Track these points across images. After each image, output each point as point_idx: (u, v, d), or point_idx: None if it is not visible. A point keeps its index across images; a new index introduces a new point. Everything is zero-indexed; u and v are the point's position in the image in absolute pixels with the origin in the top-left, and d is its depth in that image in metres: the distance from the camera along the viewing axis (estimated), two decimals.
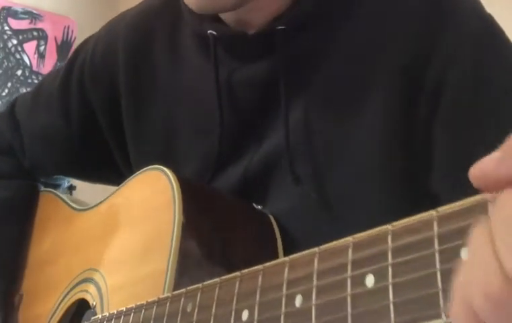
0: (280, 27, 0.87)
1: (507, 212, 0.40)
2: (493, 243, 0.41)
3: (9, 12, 3.94)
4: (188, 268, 0.78)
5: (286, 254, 0.75)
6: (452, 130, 0.80)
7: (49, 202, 1.18)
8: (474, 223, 0.43)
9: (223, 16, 0.93)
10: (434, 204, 0.50)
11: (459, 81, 0.80)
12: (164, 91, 1.00)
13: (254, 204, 0.90)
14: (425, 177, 0.81)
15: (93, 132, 1.09)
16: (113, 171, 1.10)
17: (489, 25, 0.84)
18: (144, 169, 0.90)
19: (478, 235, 0.42)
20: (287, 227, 0.86)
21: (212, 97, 0.92)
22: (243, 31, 0.91)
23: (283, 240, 0.85)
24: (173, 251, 0.78)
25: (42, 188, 1.22)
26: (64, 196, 1.15)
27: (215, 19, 0.93)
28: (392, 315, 0.47)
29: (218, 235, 0.85)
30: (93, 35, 1.15)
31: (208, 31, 0.92)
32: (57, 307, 1.01)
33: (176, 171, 0.85)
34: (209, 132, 0.93)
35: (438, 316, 0.44)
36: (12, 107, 1.23)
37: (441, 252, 0.45)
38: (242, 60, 0.92)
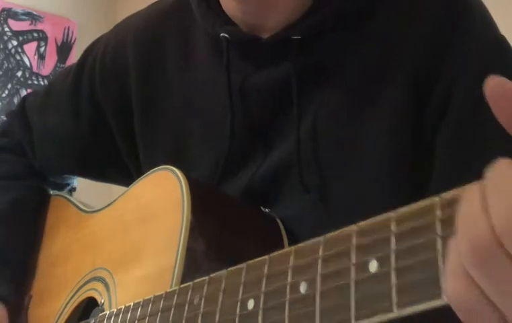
0: (296, 37, 0.88)
1: (500, 171, 0.43)
2: (484, 199, 0.43)
3: (9, 13, 3.94)
4: (195, 266, 0.78)
5: None
6: (454, 141, 0.81)
7: (59, 205, 1.19)
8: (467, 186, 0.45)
9: (236, 19, 0.93)
10: None
11: (465, 93, 0.81)
12: (176, 94, 1.00)
13: (262, 207, 0.90)
14: (427, 186, 0.82)
15: (103, 133, 1.10)
16: (122, 172, 1.11)
17: (500, 41, 0.85)
18: (154, 169, 0.91)
19: (470, 192, 0.45)
20: (293, 232, 0.87)
21: (223, 101, 0.93)
22: (256, 36, 0.92)
23: (289, 243, 0.85)
24: (180, 249, 0.78)
25: (53, 192, 1.23)
26: (74, 200, 1.16)
27: (228, 22, 0.93)
28: (395, 298, 0.48)
29: (226, 236, 0.85)
30: (102, 36, 1.15)
31: (221, 34, 0.92)
32: (65, 306, 1.02)
33: (185, 173, 0.86)
34: (219, 135, 0.93)
35: (439, 296, 0.45)
36: (23, 106, 1.24)
37: (443, 237, 0.46)
38: (254, 65, 0.92)
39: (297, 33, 0.88)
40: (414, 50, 0.83)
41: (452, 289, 0.44)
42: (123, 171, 1.10)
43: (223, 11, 0.94)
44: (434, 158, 0.82)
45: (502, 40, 0.85)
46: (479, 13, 0.85)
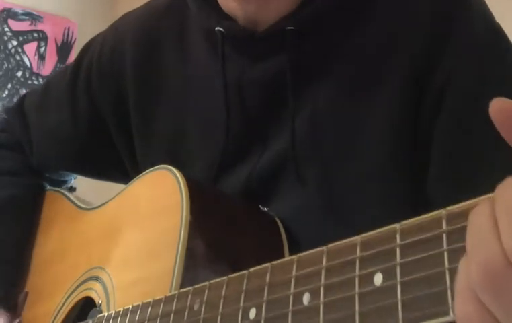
0: (289, 28, 0.87)
1: (511, 190, 0.41)
2: (494, 221, 0.42)
3: (9, 13, 3.94)
4: (195, 266, 0.78)
5: (291, 255, 0.75)
6: (451, 135, 0.80)
7: (56, 201, 1.19)
8: (473, 205, 0.44)
9: (233, 14, 0.92)
10: (428, 208, 0.51)
11: (462, 88, 0.80)
12: (173, 90, 1.00)
13: (260, 206, 0.90)
14: (425, 181, 0.82)
15: (100, 131, 1.10)
16: (119, 169, 1.11)
17: (497, 36, 0.84)
18: (152, 168, 0.91)
19: (478, 213, 0.43)
20: (292, 230, 0.86)
21: (219, 96, 0.92)
22: (251, 29, 0.91)
23: (288, 242, 0.85)
24: (180, 249, 0.78)
25: (49, 188, 1.23)
26: (70, 196, 1.16)
27: (224, 16, 0.93)
28: (400, 313, 0.47)
29: (225, 235, 0.85)
30: (98, 34, 1.15)
31: (216, 28, 0.92)
32: (62, 305, 1.01)
33: (183, 171, 0.85)
34: (215, 131, 0.93)
35: (446, 313, 0.44)
36: (21, 103, 1.24)
37: (450, 251, 0.46)
38: (250, 58, 0.92)
39: (291, 24, 0.87)
40: (413, 44, 0.83)
41: (461, 311, 0.44)
42: (121, 169, 1.10)
43: (219, 5, 0.94)
44: (428, 152, 0.82)
45: (500, 37, 0.84)
46: (477, 9, 0.85)
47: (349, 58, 0.87)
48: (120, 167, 1.10)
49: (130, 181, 0.97)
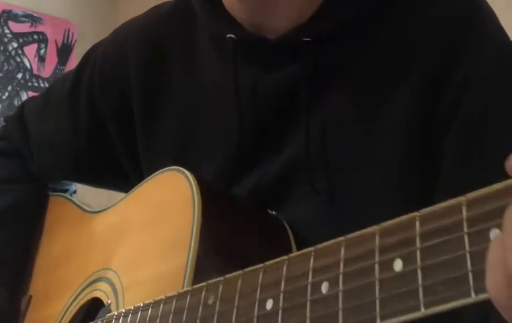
0: (306, 39, 0.87)
1: None
2: None
3: (10, 15, 3.93)
4: (206, 267, 0.78)
5: None
6: (462, 148, 0.81)
7: (59, 205, 1.19)
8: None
9: (240, 19, 0.92)
10: None
11: (473, 102, 0.81)
12: (179, 98, 0.99)
13: (268, 210, 0.90)
14: (435, 191, 0.82)
15: (101, 139, 1.09)
16: (119, 178, 1.10)
17: (510, 47, 0.85)
18: (161, 170, 0.90)
19: None
20: (302, 237, 0.86)
21: (231, 104, 0.92)
22: (263, 37, 0.91)
23: (297, 248, 0.85)
24: (192, 250, 0.78)
25: (52, 193, 1.22)
26: (75, 200, 1.16)
27: (233, 22, 0.92)
28: (422, 297, 0.48)
29: (235, 237, 0.85)
30: (100, 42, 1.15)
31: (227, 35, 0.91)
32: (69, 307, 1.01)
33: None
34: (226, 139, 0.93)
35: (468, 295, 0.45)
36: (21, 111, 1.23)
37: (470, 235, 0.46)
38: (262, 66, 0.91)
39: (307, 35, 0.87)
40: (428, 55, 0.83)
41: (493, 284, 0.44)
42: (121, 177, 1.10)
43: (227, 11, 0.93)
44: (438, 162, 0.82)
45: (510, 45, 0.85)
46: (491, 21, 0.86)
47: (363, 68, 0.87)
48: (120, 175, 1.10)
49: (130, 190, 0.97)
